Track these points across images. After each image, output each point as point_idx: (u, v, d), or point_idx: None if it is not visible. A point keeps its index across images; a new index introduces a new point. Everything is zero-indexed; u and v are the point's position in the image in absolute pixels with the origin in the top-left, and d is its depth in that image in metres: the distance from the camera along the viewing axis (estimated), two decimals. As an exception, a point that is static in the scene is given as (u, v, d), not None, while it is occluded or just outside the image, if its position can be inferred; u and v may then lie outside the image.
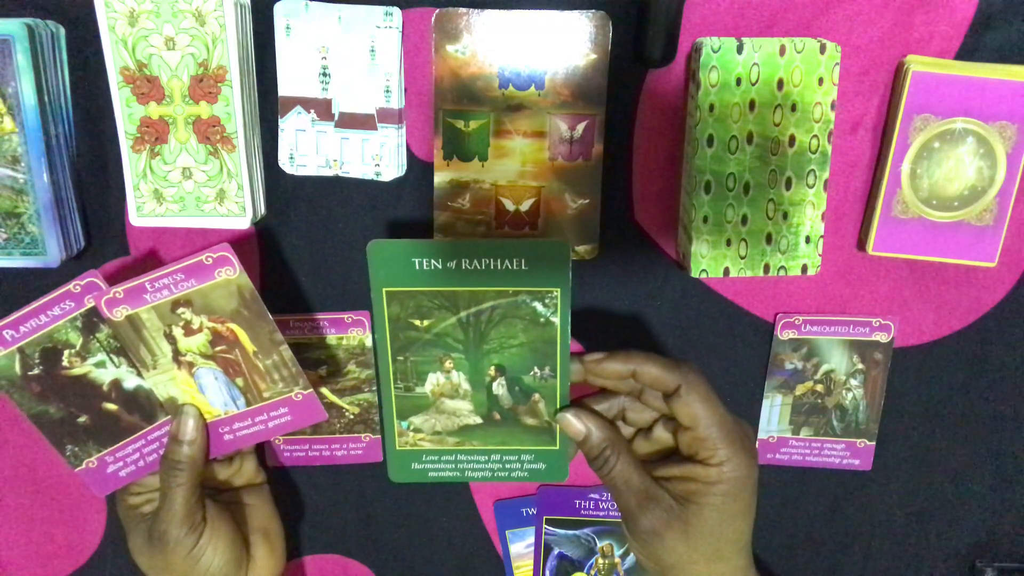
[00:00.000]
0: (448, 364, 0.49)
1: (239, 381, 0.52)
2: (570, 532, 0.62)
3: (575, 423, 0.48)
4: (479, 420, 0.51)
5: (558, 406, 0.50)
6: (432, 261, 0.47)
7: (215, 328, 0.50)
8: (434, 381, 0.50)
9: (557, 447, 0.51)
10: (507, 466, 0.52)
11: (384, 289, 0.47)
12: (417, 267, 0.47)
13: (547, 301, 0.48)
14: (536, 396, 0.50)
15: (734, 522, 0.46)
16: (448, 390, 0.50)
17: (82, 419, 0.53)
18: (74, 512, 0.62)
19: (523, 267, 0.47)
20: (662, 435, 0.49)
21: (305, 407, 0.52)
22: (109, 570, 0.63)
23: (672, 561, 0.47)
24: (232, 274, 0.49)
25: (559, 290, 0.47)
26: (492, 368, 0.49)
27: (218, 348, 0.51)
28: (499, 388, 0.50)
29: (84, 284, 0.50)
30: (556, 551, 0.62)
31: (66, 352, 0.51)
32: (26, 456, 0.60)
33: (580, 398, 0.50)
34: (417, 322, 0.48)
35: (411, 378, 0.50)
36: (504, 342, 0.49)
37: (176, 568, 0.51)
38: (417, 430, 0.51)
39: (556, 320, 0.48)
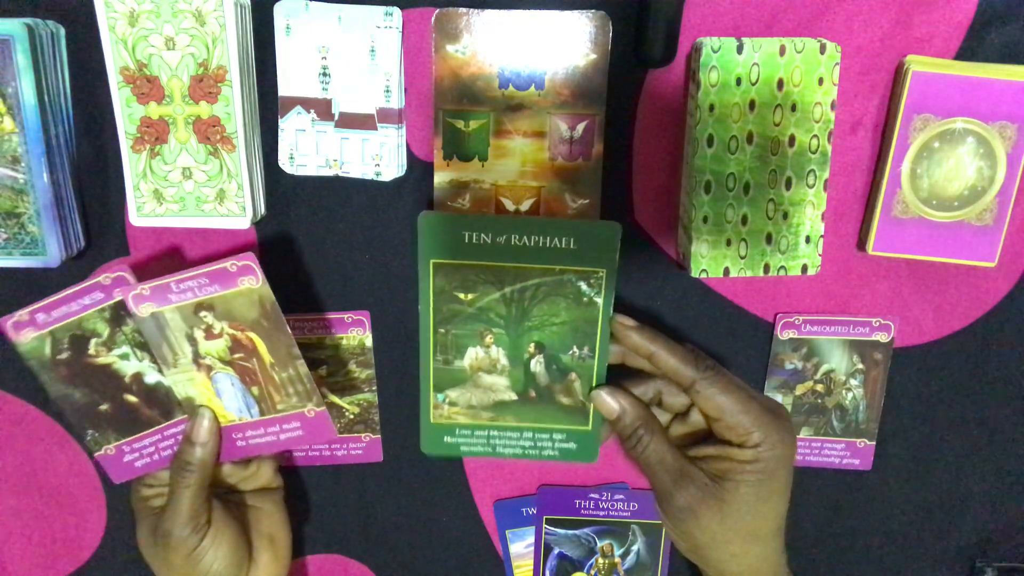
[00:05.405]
0: (488, 339, 0.50)
1: (255, 390, 0.52)
2: (570, 532, 0.62)
3: (609, 401, 0.49)
4: (514, 397, 0.51)
5: (594, 385, 0.50)
6: (482, 235, 0.47)
7: (235, 335, 0.50)
8: (473, 355, 0.50)
9: (589, 428, 0.51)
10: (538, 444, 0.52)
11: (432, 260, 0.48)
12: (467, 240, 0.48)
13: (592, 281, 0.48)
14: (572, 375, 0.50)
15: (769, 500, 0.46)
16: (486, 365, 0.51)
17: (104, 407, 0.53)
18: (74, 512, 0.62)
19: (572, 246, 0.48)
20: (698, 419, 0.50)
21: (316, 424, 0.52)
22: (110, 569, 0.63)
23: (706, 540, 0.47)
24: (255, 284, 0.49)
25: (605, 271, 0.48)
26: (532, 345, 0.50)
27: (236, 355, 0.51)
28: (537, 365, 0.50)
29: (114, 278, 0.50)
30: (556, 551, 0.62)
31: (93, 341, 0.52)
32: (26, 456, 0.60)
33: (616, 380, 0.51)
34: (461, 295, 0.49)
35: (450, 351, 0.50)
36: (546, 320, 0.49)
37: (176, 567, 0.51)
38: (452, 403, 0.51)
39: (599, 300, 0.49)
